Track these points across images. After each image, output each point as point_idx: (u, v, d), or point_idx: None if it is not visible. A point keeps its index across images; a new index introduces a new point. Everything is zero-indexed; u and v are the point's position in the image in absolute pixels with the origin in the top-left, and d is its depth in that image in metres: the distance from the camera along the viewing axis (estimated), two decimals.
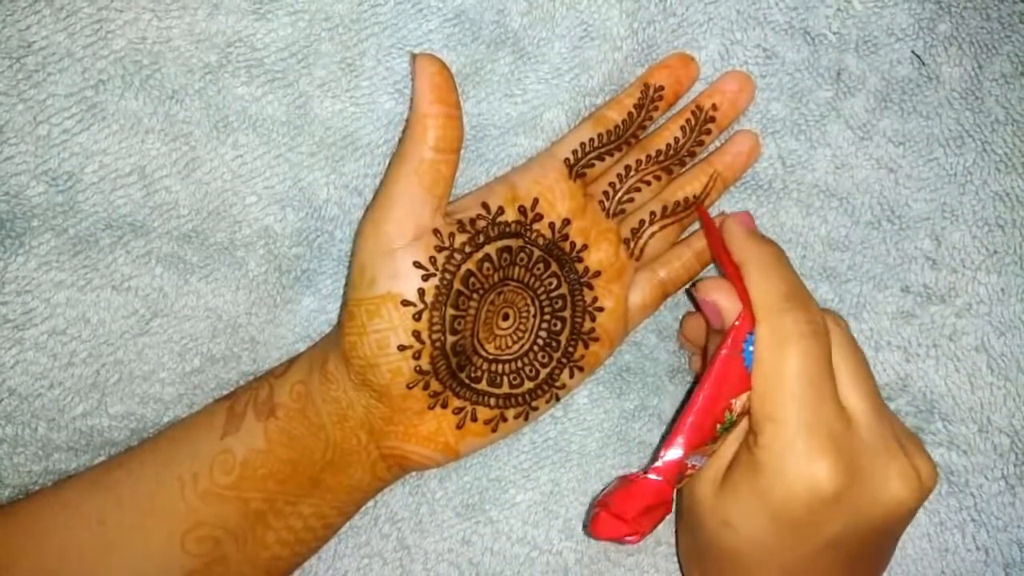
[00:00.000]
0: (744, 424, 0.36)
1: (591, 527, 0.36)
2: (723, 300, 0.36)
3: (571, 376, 0.40)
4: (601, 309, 0.40)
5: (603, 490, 0.37)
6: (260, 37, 0.38)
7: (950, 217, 0.43)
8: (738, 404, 0.35)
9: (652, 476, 0.35)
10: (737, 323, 0.35)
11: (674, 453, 0.35)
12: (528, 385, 0.39)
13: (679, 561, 0.42)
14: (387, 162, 0.40)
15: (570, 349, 0.39)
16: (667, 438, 0.35)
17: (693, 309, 0.44)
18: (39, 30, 0.36)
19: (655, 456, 0.35)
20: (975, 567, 0.44)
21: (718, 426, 0.35)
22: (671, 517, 0.41)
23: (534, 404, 0.39)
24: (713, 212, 0.43)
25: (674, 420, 0.39)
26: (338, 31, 0.38)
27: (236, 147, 0.38)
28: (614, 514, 0.35)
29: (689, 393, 0.43)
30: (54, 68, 0.36)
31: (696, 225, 0.43)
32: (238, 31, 0.37)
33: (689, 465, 0.35)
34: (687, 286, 0.43)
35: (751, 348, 0.35)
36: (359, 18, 0.38)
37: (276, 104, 0.38)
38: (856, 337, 0.43)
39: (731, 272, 0.37)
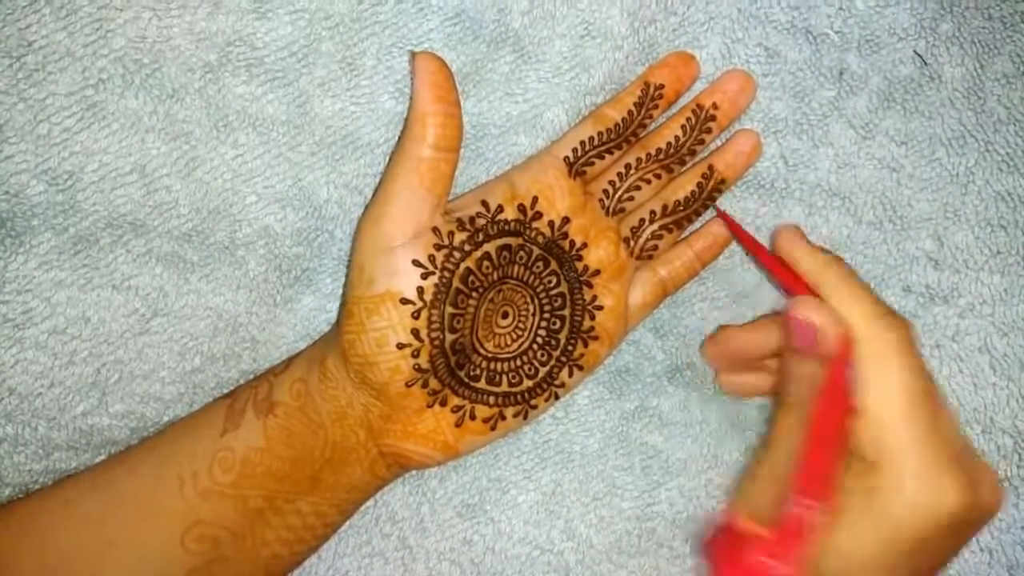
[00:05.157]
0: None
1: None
2: (822, 319, 0.33)
3: (570, 375, 0.40)
4: (600, 307, 0.40)
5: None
6: (260, 36, 0.38)
7: (952, 217, 0.43)
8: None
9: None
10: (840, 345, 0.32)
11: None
12: (527, 383, 0.39)
13: None
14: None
15: (569, 348, 0.39)
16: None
17: (723, 322, 0.43)
18: (39, 29, 0.36)
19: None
20: (979, 569, 0.43)
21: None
22: (675, 517, 0.40)
23: (533, 403, 0.39)
24: (713, 212, 0.43)
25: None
26: (338, 30, 0.38)
27: (236, 146, 0.38)
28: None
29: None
30: (54, 67, 0.36)
31: (696, 224, 0.43)
32: (238, 30, 0.37)
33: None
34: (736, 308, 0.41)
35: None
36: (359, 17, 0.38)
37: (276, 103, 0.38)
38: None
39: (799, 290, 0.34)
